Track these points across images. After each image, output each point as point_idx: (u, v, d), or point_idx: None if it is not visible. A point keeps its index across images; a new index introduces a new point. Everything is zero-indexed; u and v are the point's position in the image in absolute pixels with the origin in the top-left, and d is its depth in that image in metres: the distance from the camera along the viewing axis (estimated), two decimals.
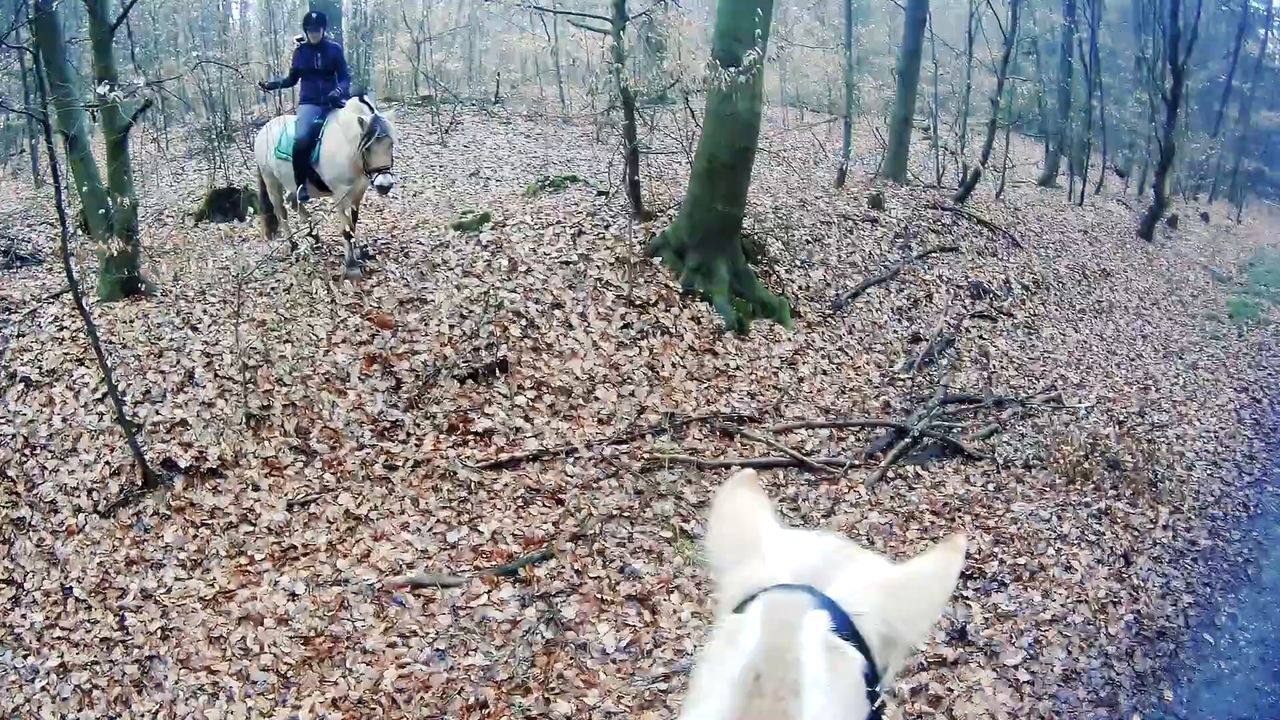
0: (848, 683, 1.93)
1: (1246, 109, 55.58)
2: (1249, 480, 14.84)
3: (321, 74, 14.78)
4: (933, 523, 11.54)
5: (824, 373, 15.11)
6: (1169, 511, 12.76)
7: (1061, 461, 13.26)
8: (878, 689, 2.00)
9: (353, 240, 14.62)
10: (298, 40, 15.30)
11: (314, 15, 15.21)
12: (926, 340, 16.95)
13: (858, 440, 13.45)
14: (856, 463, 12.71)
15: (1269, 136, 62.78)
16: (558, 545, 10.08)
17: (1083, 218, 30.77)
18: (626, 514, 10.82)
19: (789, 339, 15.54)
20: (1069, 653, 9.52)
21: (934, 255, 20.96)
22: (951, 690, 8.72)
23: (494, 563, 9.77)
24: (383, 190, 14.07)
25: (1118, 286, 24.89)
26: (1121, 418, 15.75)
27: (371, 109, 14.09)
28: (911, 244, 20.95)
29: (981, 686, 8.81)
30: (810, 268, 18.05)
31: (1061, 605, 10.23)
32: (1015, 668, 9.15)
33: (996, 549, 11.12)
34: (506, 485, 10.98)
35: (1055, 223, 28.32)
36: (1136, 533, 12.07)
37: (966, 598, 10.11)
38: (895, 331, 17.15)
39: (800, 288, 17.30)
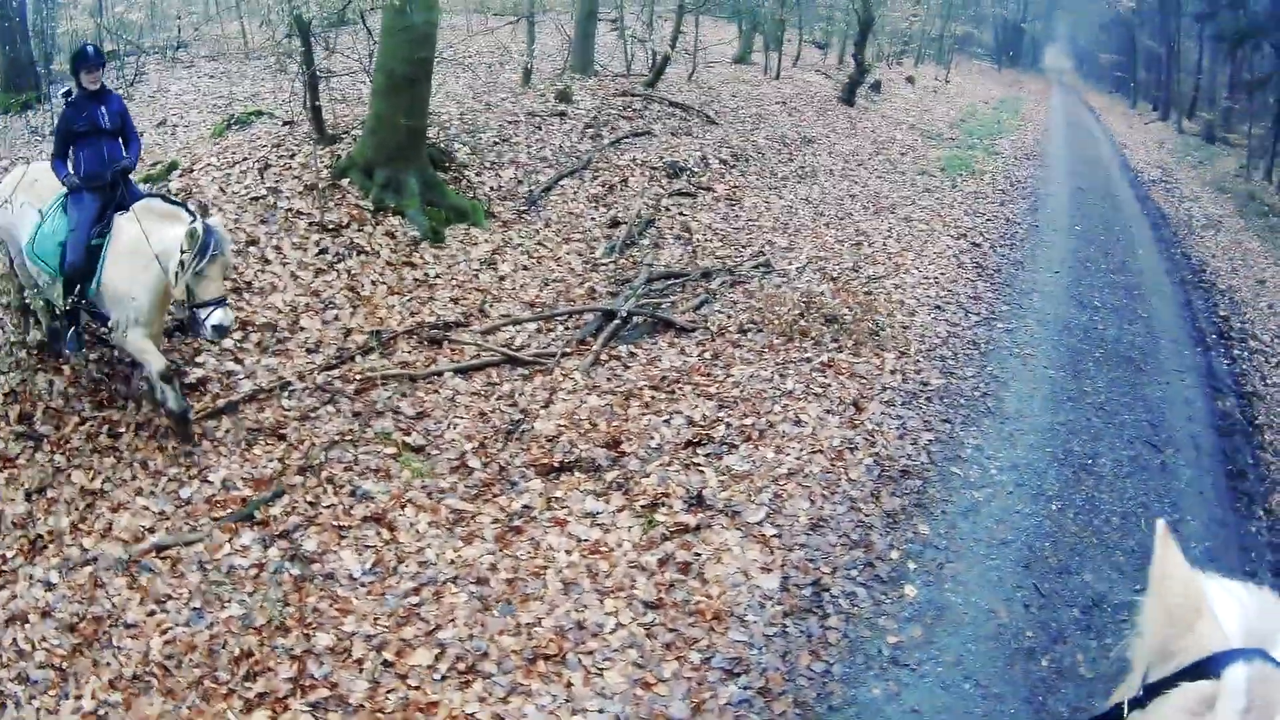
0: None
1: None
2: (977, 319, 15.84)
3: (109, 134, 11.03)
4: (653, 397, 12.03)
5: (525, 268, 15.36)
6: (895, 357, 13.60)
7: (777, 322, 13.96)
8: None
9: (174, 384, 10.72)
10: (64, 96, 11.17)
11: (92, 50, 11.10)
12: (625, 223, 17.24)
13: (567, 329, 13.79)
14: (568, 351, 13.07)
15: (977, 2, 65.19)
16: (287, 481, 10.17)
17: (780, 90, 31.84)
18: (349, 438, 10.95)
19: (485, 240, 15.76)
20: (812, 502, 10.15)
21: (627, 141, 21.46)
22: (699, 555, 9.23)
23: (229, 510, 9.79)
24: (220, 333, 10.24)
25: (820, 151, 25.89)
26: (835, 274, 16.59)
27: (187, 210, 10.58)
28: (602, 132, 21.40)
29: (729, 547, 9.34)
30: (500, 168, 18.32)
31: (796, 459, 10.86)
32: (760, 524, 9.71)
33: (721, 413, 11.70)
34: (228, 431, 10.93)
35: (751, 97, 29.19)
36: (864, 381, 12.83)
37: (698, 464, 10.58)
38: (593, 219, 17.50)
39: (492, 188, 17.55)
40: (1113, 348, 15.90)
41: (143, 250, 10.25)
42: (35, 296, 11.64)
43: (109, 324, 10.88)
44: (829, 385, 12.50)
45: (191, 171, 15.48)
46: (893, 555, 9.50)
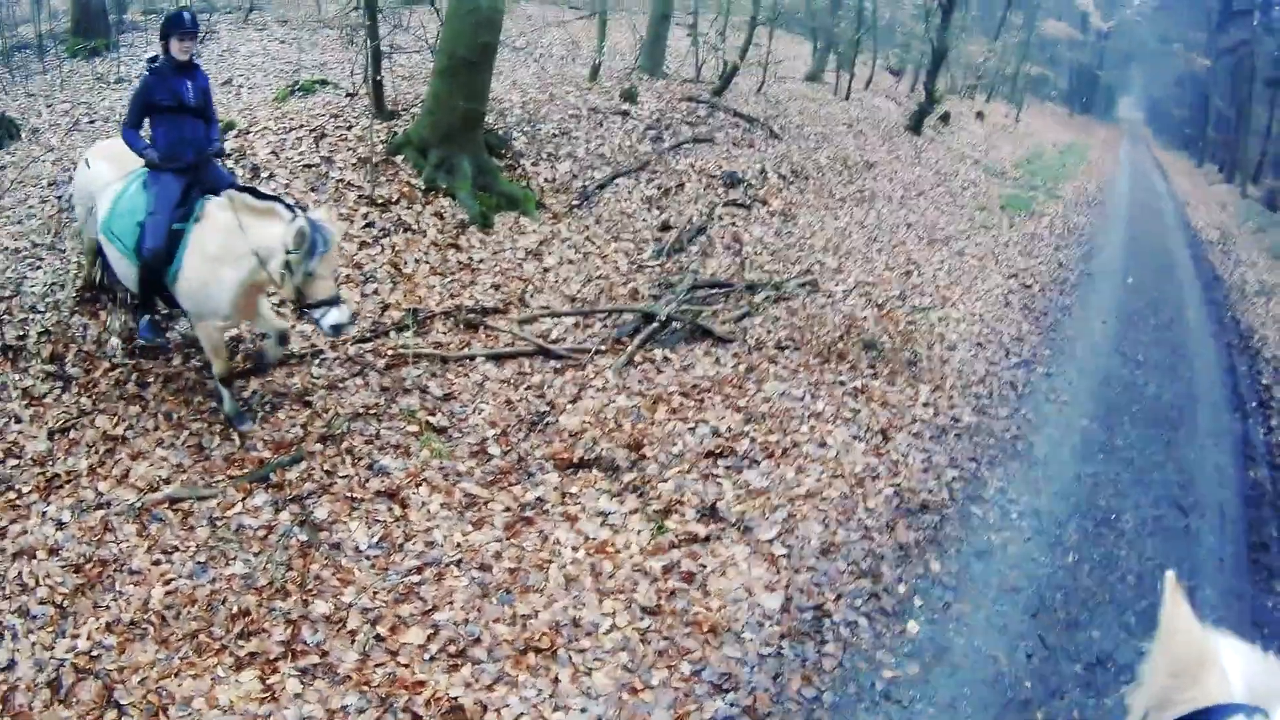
0: None
1: (1032, 17, 58.27)
2: (1017, 361, 15.68)
3: (192, 113, 10.27)
4: (681, 404, 11.95)
5: (570, 262, 15.34)
6: (930, 389, 13.48)
7: (815, 342, 13.86)
8: None
9: (231, 387, 10.57)
10: (149, 62, 10.13)
11: (188, 17, 10.10)
12: (676, 228, 17.17)
13: (605, 327, 13.77)
14: (603, 348, 13.04)
15: (1054, 44, 65.77)
16: (307, 447, 10.27)
17: (848, 112, 31.81)
18: (373, 411, 11.04)
19: (534, 230, 15.79)
20: (826, 526, 10.02)
21: (687, 146, 21.37)
22: (705, 566, 9.13)
23: (246, 470, 9.91)
24: (338, 331, 9.76)
25: (881, 177, 25.73)
26: (880, 301, 16.46)
27: (284, 205, 9.73)
28: (664, 135, 21.32)
29: (736, 561, 9.24)
30: (557, 160, 18.32)
31: (816, 480, 10.75)
32: (770, 542, 9.60)
33: (747, 427, 11.60)
34: (255, 392, 11.03)
35: (818, 116, 29.12)
36: (895, 410, 12.71)
37: (716, 475, 10.49)
38: (645, 220, 17.42)
39: (546, 180, 17.55)
40: (1151, 404, 15.71)
41: (234, 243, 9.66)
42: (94, 266, 11.43)
43: (186, 313, 10.40)
44: (859, 411, 12.39)
45: (248, 133, 15.59)
46: (900, 589, 9.36)
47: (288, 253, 9.26)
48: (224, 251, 9.68)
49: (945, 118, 37.35)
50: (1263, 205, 47.54)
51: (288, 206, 9.62)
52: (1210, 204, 46.64)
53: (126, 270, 10.25)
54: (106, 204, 10.30)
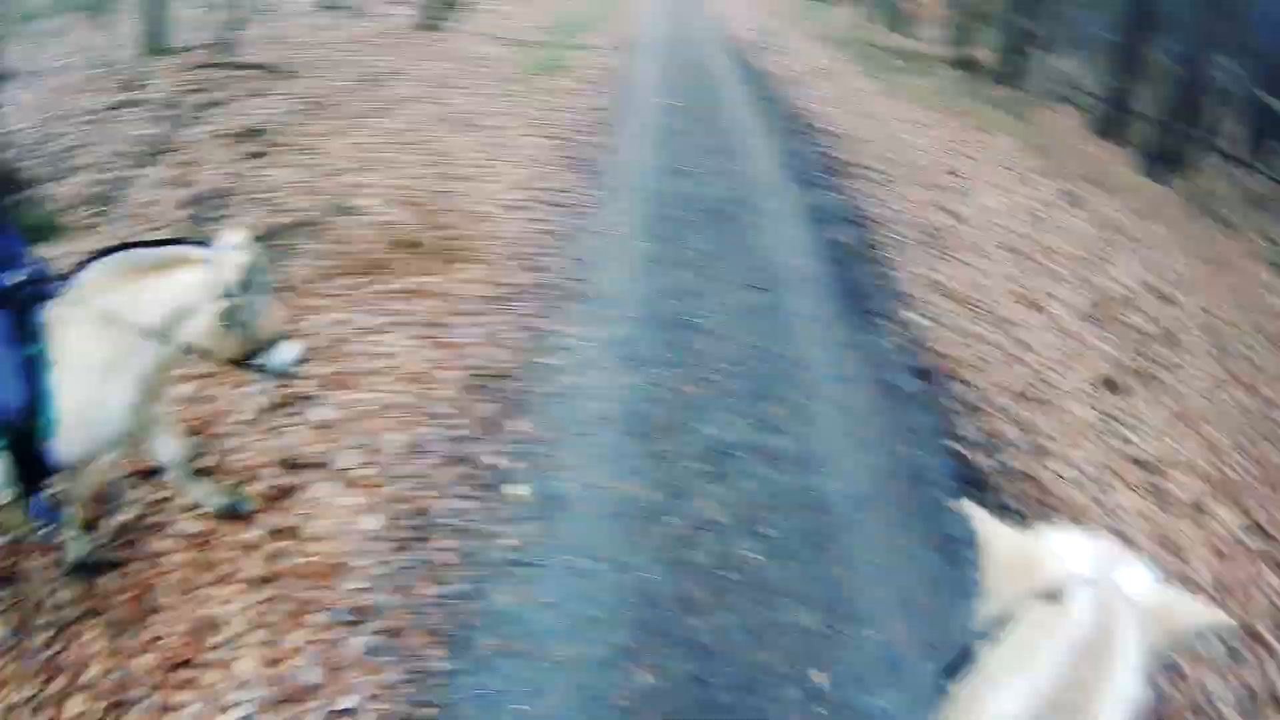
0: (1139, 657, 2.64)
1: None
2: (563, 211, 16.22)
3: None
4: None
5: None
6: (478, 267, 13.39)
7: (353, 261, 13.62)
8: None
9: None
10: None
11: None
12: (202, 199, 16.77)
13: None
14: None
15: None
16: None
17: (363, 30, 31.37)
18: None
19: (64, 254, 15.16)
20: (404, 432, 10.09)
21: (199, 116, 20.77)
22: (300, 515, 9.05)
23: None
24: (300, 363, 7.58)
25: (401, 82, 25.49)
26: (416, 200, 16.43)
27: (192, 243, 7.00)
28: (177, 112, 20.72)
29: (327, 500, 9.21)
30: (74, 174, 17.62)
31: (384, 393, 10.74)
32: (354, 469, 9.59)
33: (304, 369, 11.34)
34: None
35: (331, 43, 28.83)
36: (446, 297, 12.78)
37: (282, 426, 10.38)
38: (172, 204, 16.88)
39: (68, 200, 16.86)
40: (710, 207, 16.27)
41: (114, 334, 6.86)
42: None
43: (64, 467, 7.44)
44: (414, 312, 12.47)
45: None
46: (496, 461, 9.58)
47: (230, 298, 6.79)
48: (109, 351, 6.97)
49: (451, 4, 37.38)
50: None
51: (194, 244, 6.93)
52: (754, 10, 47.87)
53: None
54: None
